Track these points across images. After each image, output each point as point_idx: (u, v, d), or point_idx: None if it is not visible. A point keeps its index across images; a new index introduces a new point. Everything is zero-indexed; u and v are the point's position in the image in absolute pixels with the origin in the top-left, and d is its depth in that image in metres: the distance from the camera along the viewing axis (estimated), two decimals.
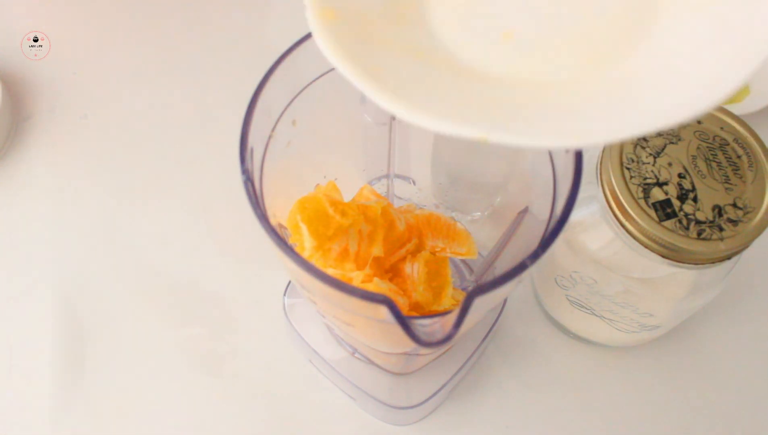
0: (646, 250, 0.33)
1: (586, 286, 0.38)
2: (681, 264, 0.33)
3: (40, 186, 0.49)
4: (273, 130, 0.30)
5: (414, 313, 0.33)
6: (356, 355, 0.40)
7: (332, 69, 0.31)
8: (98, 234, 0.47)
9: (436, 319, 0.25)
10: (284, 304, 0.42)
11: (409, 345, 0.25)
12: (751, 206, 0.32)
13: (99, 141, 0.52)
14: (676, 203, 0.33)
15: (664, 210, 0.32)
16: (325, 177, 0.38)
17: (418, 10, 0.25)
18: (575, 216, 0.37)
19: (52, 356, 0.43)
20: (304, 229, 0.31)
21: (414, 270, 0.33)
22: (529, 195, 0.35)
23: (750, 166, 0.33)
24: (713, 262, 0.32)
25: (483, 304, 0.26)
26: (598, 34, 0.23)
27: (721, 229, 0.32)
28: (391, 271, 0.34)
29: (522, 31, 0.23)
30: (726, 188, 0.33)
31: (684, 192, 0.33)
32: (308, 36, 0.29)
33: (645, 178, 0.33)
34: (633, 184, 0.33)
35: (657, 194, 0.33)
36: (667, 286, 0.36)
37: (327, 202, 0.32)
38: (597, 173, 0.35)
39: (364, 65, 0.21)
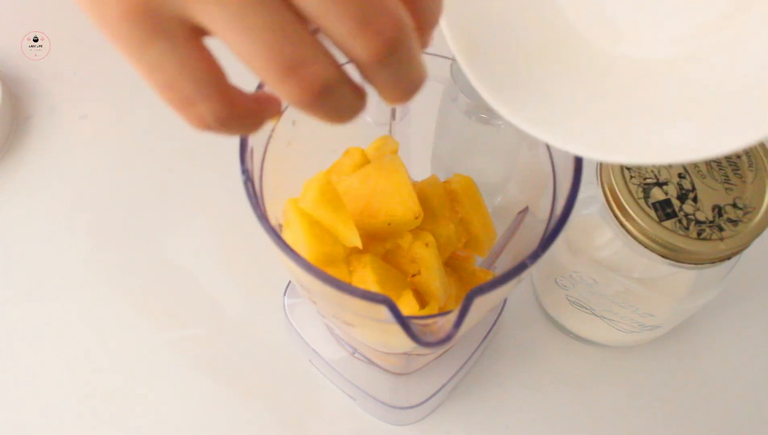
0: (646, 250, 0.33)
1: (586, 286, 0.38)
2: (681, 264, 0.33)
3: (40, 186, 0.49)
4: (273, 130, 0.30)
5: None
6: (356, 355, 0.40)
7: None
8: (97, 234, 0.47)
9: (436, 319, 0.25)
10: (284, 304, 0.42)
11: (409, 345, 0.25)
12: (751, 206, 0.32)
13: (99, 141, 0.52)
14: (676, 203, 0.33)
15: (664, 210, 0.32)
16: None
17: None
18: (575, 216, 0.37)
19: (51, 356, 0.43)
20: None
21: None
22: (528, 195, 0.35)
23: (750, 166, 0.33)
24: (713, 262, 0.32)
25: (483, 304, 0.26)
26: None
27: (721, 229, 0.32)
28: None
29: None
30: (726, 188, 0.33)
31: (684, 192, 0.33)
32: None
33: (645, 178, 0.33)
34: (633, 184, 0.33)
35: (657, 194, 0.33)
36: (667, 286, 0.36)
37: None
38: (597, 173, 0.35)
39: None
